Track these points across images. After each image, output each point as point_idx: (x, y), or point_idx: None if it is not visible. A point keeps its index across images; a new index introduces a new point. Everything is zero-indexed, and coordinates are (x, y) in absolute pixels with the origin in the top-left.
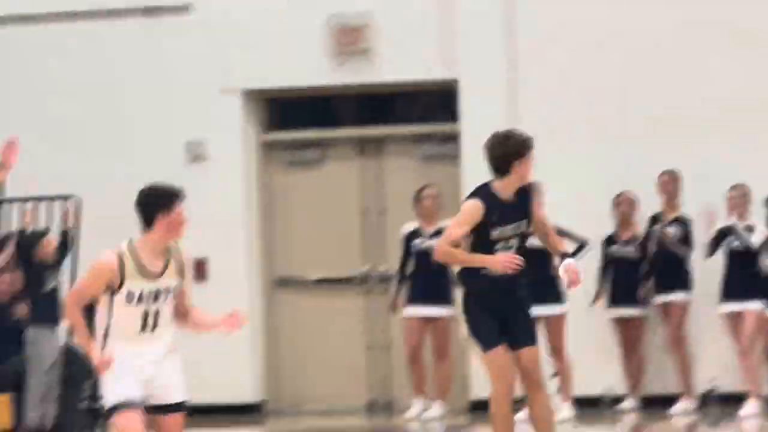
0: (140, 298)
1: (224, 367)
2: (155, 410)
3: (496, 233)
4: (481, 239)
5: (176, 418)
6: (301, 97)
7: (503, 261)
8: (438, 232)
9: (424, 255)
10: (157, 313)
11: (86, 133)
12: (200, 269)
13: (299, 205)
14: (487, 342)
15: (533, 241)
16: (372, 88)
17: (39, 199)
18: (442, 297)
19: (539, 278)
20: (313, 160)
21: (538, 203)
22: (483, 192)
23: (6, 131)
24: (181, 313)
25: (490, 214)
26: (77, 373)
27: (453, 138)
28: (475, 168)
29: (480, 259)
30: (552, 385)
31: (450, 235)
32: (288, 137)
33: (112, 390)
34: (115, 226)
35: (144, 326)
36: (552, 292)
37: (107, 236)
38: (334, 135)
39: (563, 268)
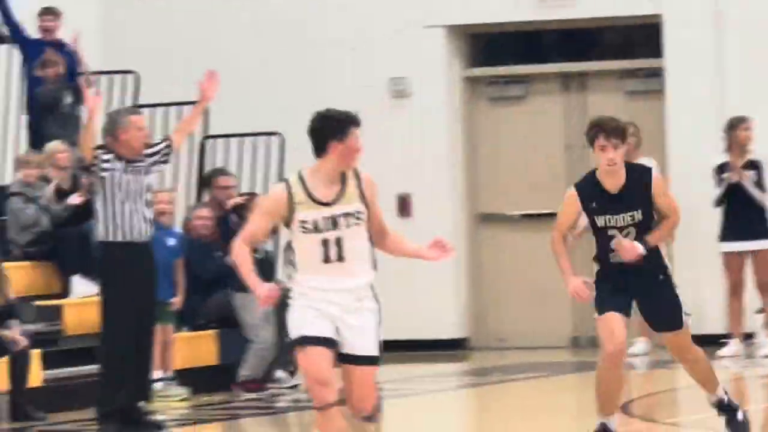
0: (316, 227)
1: (429, 303)
2: (344, 358)
3: (600, 222)
4: (593, 226)
5: (366, 372)
6: (505, 33)
7: (574, 292)
8: None
9: None
10: (339, 242)
11: (290, 71)
12: (404, 205)
13: (503, 141)
14: (601, 306)
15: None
16: (576, 23)
17: (243, 135)
18: None
19: (746, 214)
20: (516, 95)
21: (662, 193)
22: (584, 179)
23: (214, 68)
24: (379, 237)
25: (587, 202)
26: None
27: (657, 73)
28: (679, 103)
29: (564, 273)
30: (758, 320)
31: (558, 225)
32: (492, 73)
33: (295, 324)
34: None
35: (327, 256)
36: (760, 228)
37: None
38: (538, 70)
39: (615, 240)
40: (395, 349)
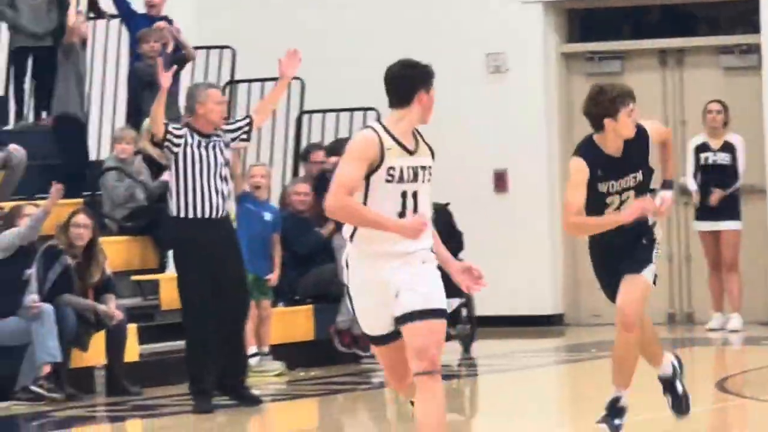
0: (401, 176)
1: (524, 279)
2: (406, 318)
3: (603, 187)
4: (591, 193)
5: (434, 324)
6: (602, 8)
7: (641, 209)
8: (724, 147)
9: (711, 169)
10: (416, 196)
11: (386, 46)
12: (500, 181)
13: None
14: (609, 297)
15: None
16: None
17: (339, 111)
18: (729, 211)
19: None
20: (613, 71)
21: (653, 133)
22: (586, 147)
23: (310, 44)
24: None
25: (594, 169)
26: None
27: (754, 49)
28: None
29: (615, 220)
30: None
31: (571, 205)
32: (588, 49)
33: (359, 317)
34: None
35: (404, 209)
36: None
37: None
38: (635, 46)
39: (659, 197)
40: (491, 324)
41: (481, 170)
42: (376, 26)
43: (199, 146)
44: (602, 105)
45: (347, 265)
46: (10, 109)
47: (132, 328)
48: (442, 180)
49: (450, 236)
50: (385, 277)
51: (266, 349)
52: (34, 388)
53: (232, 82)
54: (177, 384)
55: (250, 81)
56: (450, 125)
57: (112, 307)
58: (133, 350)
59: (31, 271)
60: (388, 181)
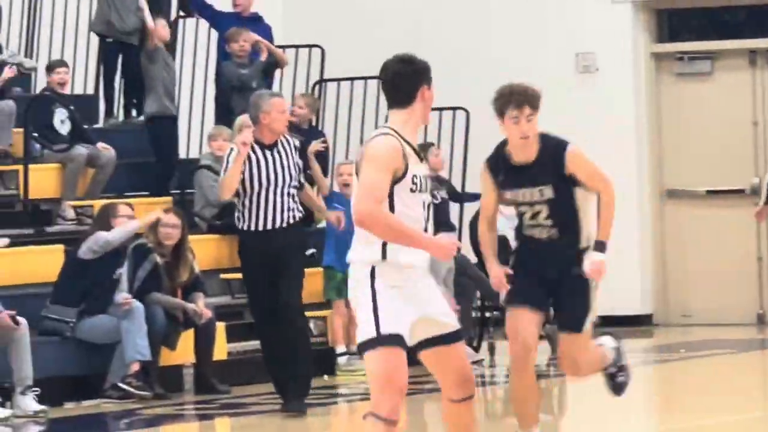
0: (420, 185)
1: (613, 279)
2: (434, 341)
3: (508, 195)
4: (505, 199)
5: (462, 347)
6: (692, 8)
7: (495, 281)
8: None
9: None
10: (428, 207)
11: (475, 45)
12: None
13: (689, 117)
14: (512, 297)
15: None
16: None
17: None
18: None
19: None
20: (703, 71)
21: (580, 169)
22: (495, 151)
23: (399, 42)
24: None
25: (494, 175)
26: (469, 282)
27: None
28: None
29: (486, 260)
30: None
31: (481, 209)
32: (678, 48)
33: (383, 318)
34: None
35: (426, 222)
36: None
37: (491, 149)
38: (725, 46)
39: (587, 260)
40: None
41: None
42: (465, 26)
43: (258, 163)
44: (494, 105)
45: (372, 274)
46: (100, 108)
47: (221, 327)
48: None
49: None
50: (417, 293)
51: (355, 348)
52: (123, 385)
53: (322, 81)
54: (265, 382)
55: (339, 80)
56: (539, 124)
57: (201, 305)
58: (221, 349)
59: (122, 270)
60: (412, 190)
